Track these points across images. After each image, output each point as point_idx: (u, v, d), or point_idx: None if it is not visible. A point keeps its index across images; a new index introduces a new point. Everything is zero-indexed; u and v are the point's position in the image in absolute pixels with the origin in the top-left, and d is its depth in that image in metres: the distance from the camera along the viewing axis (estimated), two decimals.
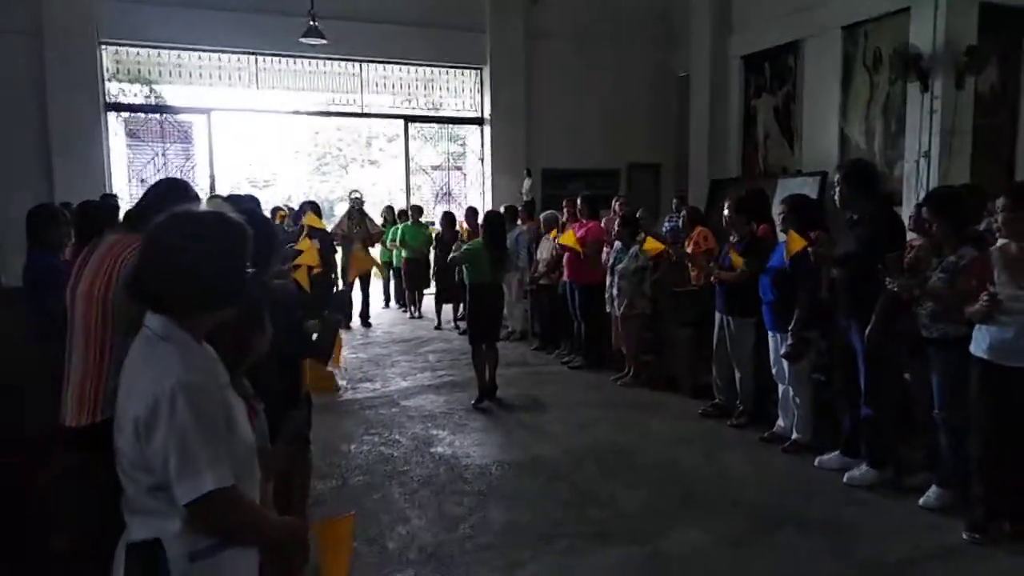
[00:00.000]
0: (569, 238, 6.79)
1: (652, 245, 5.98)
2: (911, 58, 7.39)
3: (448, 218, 9.49)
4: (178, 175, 10.04)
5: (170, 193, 2.56)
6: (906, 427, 4.32)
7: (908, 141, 7.75)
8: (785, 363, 4.71)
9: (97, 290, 2.40)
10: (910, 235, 5.22)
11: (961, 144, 7.46)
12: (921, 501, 3.87)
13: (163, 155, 10.07)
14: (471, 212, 9.05)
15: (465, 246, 6.19)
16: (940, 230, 3.78)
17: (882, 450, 4.20)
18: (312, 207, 8.05)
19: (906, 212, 6.63)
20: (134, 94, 9.92)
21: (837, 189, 4.31)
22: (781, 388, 4.92)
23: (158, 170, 10.01)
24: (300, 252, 4.68)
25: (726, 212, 5.34)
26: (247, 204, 4.53)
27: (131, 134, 9.98)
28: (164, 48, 9.79)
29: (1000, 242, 3.55)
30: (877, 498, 4.02)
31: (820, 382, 4.85)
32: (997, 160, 8.02)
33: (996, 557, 3.35)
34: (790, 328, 4.59)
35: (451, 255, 6.26)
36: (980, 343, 3.43)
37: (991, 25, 7.51)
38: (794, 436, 4.78)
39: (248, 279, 1.69)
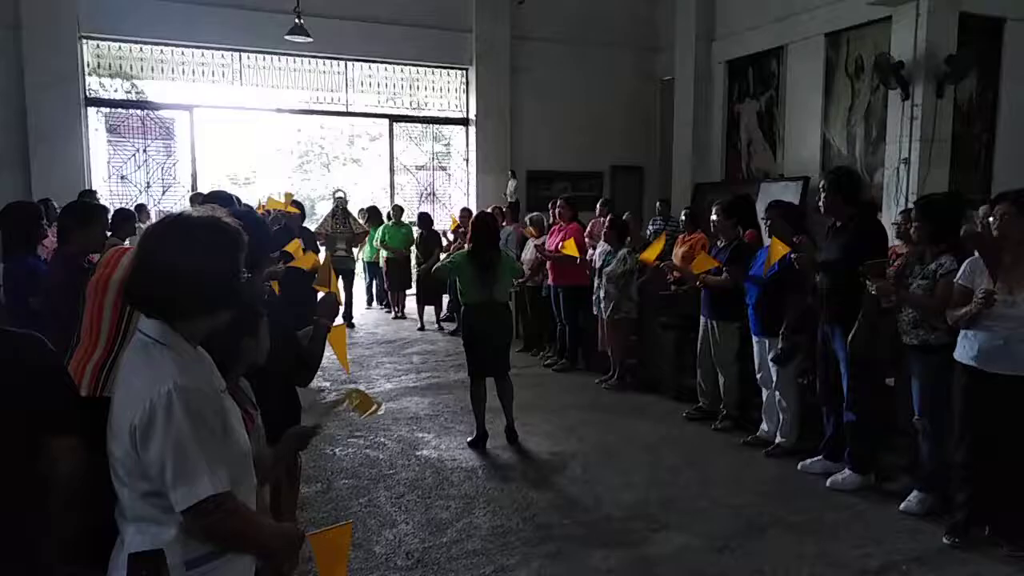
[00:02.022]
0: (571, 247, 6.57)
1: (649, 253, 5.83)
2: (892, 66, 7.50)
3: (424, 219, 9.48)
4: (159, 172, 9.94)
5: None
6: (888, 432, 4.38)
7: (888, 148, 7.87)
8: (772, 367, 4.77)
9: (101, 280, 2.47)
10: (894, 242, 5.32)
11: (940, 152, 7.59)
12: (902, 506, 3.93)
13: (144, 152, 9.95)
14: (465, 212, 9.11)
15: (449, 257, 5.40)
16: (923, 235, 3.84)
17: (864, 455, 4.26)
18: (296, 206, 7.99)
19: (886, 218, 6.74)
20: (115, 89, 9.80)
21: (822, 195, 4.36)
22: (765, 393, 4.97)
23: (139, 167, 9.90)
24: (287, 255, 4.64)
25: (714, 216, 5.38)
26: (233, 205, 4.52)
27: (111, 130, 9.84)
28: (146, 43, 9.68)
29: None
30: (859, 502, 4.08)
31: (803, 386, 4.90)
32: (975, 168, 8.18)
33: (975, 561, 3.41)
34: (781, 331, 4.64)
35: (435, 264, 5.56)
36: (968, 350, 3.48)
37: (970, 35, 7.65)
38: (778, 440, 4.83)
39: (243, 283, 1.67)
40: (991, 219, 3.45)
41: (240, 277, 1.65)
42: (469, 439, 5.04)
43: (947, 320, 3.56)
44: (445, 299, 9.59)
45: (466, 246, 5.44)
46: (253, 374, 2.16)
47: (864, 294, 4.01)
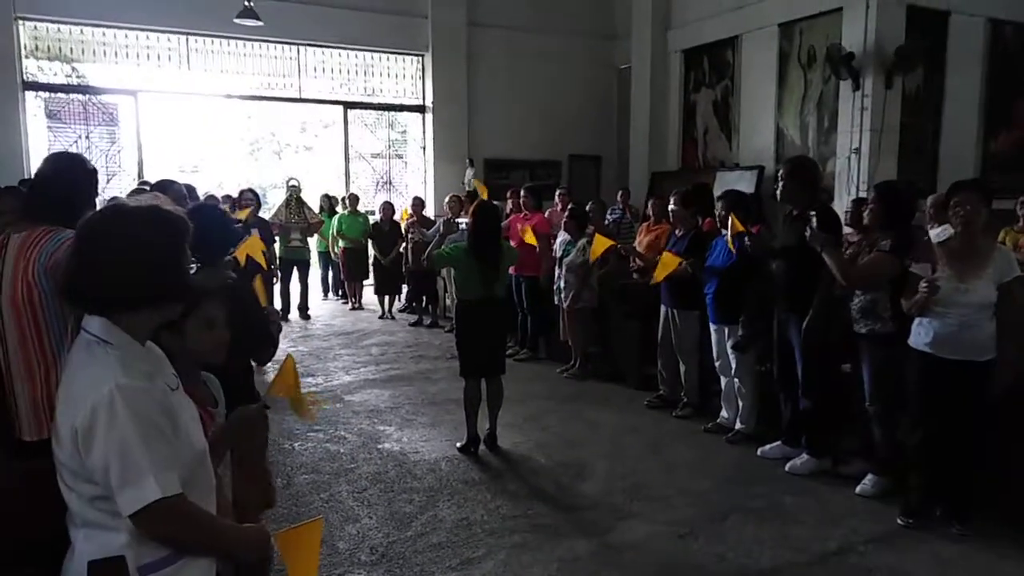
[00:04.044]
0: (530, 236, 6.50)
1: (600, 244, 5.72)
2: (843, 57, 7.65)
3: (386, 208, 9.36)
4: (103, 159, 9.57)
5: (75, 176, 2.45)
6: (844, 417, 4.48)
7: (840, 138, 8.04)
8: (731, 354, 4.83)
9: (22, 296, 2.28)
10: (845, 230, 5.42)
11: (889, 141, 7.78)
12: (858, 489, 4.03)
13: (87, 138, 9.55)
14: (417, 202, 9.00)
15: (447, 247, 4.77)
16: (877, 218, 3.92)
17: (820, 440, 4.35)
18: (252, 195, 7.80)
19: (838, 206, 6.88)
20: (54, 73, 9.36)
21: (780, 184, 4.41)
22: (724, 380, 5.04)
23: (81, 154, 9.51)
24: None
25: (672, 206, 5.41)
26: (184, 195, 4.37)
27: (51, 115, 9.41)
28: (87, 25, 9.27)
29: (938, 236, 3.71)
30: (817, 486, 4.17)
31: (761, 373, 4.98)
32: (921, 158, 8.40)
33: (929, 541, 3.52)
34: (741, 319, 4.70)
35: (428, 250, 4.83)
36: (923, 337, 3.57)
37: (918, 27, 7.84)
38: (738, 426, 4.91)
39: (188, 274, 1.62)
40: (954, 210, 3.50)
41: (184, 267, 1.59)
42: (458, 444, 4.74)
43: (901, 302, 3.65)
44: (404, 289, 9.50)
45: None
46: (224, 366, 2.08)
47: (820, 283, 4.10)
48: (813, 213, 4.03)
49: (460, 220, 6.97)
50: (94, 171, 2.56)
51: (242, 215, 6.79)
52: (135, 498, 1.42)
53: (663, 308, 5.47)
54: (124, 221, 1.55)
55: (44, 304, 2.26)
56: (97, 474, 1.44)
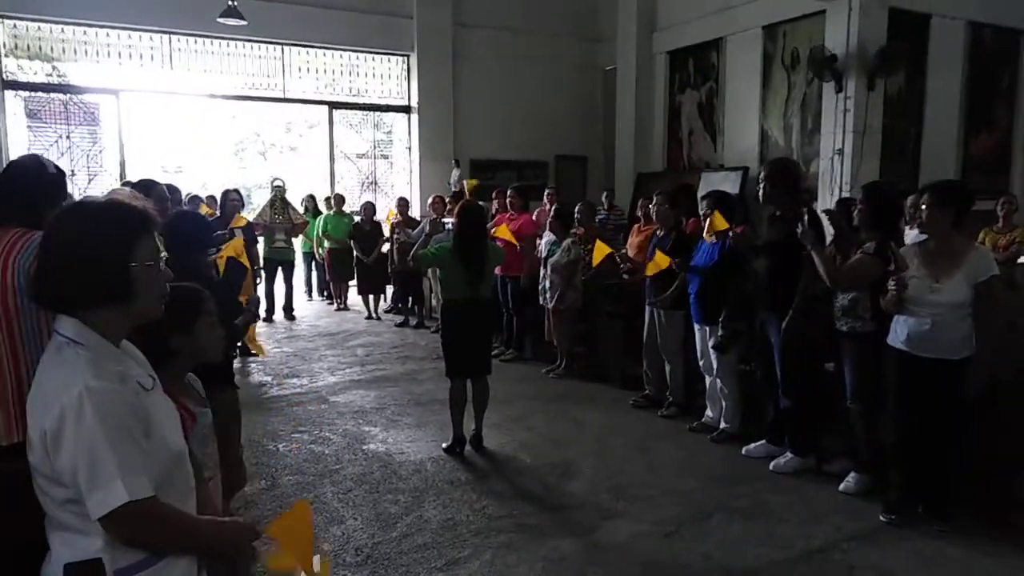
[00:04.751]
0: (503, 231, 6.50)
1: (600, 252, 5.68)
2: (826, 59, 7.70)
3: (367, 207, 9.34)
4: (84, 159, 9.48)
5: (37, 177, 2.40)
6: (827, 416, 4.51)
7: (823, 139, 8.08)
8: (713, 354, 4.85)
9: None
10: (829, 231, 5.46)
11: (871, 143, 7.84)
12: (841, 487, 4.06)
13: (67, 138, 9.45)
14: (402, 202, 8.99)
15: (433, 246, 4.76)
16: (865, 219, 3.95)
17: (803, 439, 4.38)
18: (237, 196, 7.75)
19: (822, 207, 6.93)
20: (34, 72, 9.25)
21: (761, 186, 4.44)
22: (708, 380, 5.06)
23: (62, 154, 9.40)
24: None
25: (656, 206, 5.43)
26: (164, 194, 4.34)
27: (31, 115, 9.29)
28: (68, 23, 9.17)
29: (917, 237, 3.75)
30: (801, 484, 4.19)
31: (745, 372, 5.00)
32: (903, 159, 8.49)
33: (911, 538, 3.55)
34: (720, 320, 4.72)
35: (414, 251, 4.83)
36: (899, 335, 3.61)
37: (899, 30, 7.92)
38: (722, 426, 4.93)
39: (151, 268, 1.56)
40: (921, 208, 3.57)
41: (134, 263, 1.52)
42: (444, 445, 4.72)
43: (880, 300, 3.68)
44: (388, 290, 9.48)
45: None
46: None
47: (800, 282, 4.13)
48: (806, 209, 4.07)
49: (446, 220, 6.96)
50: (58, 171, 2.52)
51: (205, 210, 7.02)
52: (103, 502, 1.41)
53: (648, 308, 5.48)
54: (80, 217, 1.55)
55: (20, 307, 2.22)
56: (66, 477, 1.42)
